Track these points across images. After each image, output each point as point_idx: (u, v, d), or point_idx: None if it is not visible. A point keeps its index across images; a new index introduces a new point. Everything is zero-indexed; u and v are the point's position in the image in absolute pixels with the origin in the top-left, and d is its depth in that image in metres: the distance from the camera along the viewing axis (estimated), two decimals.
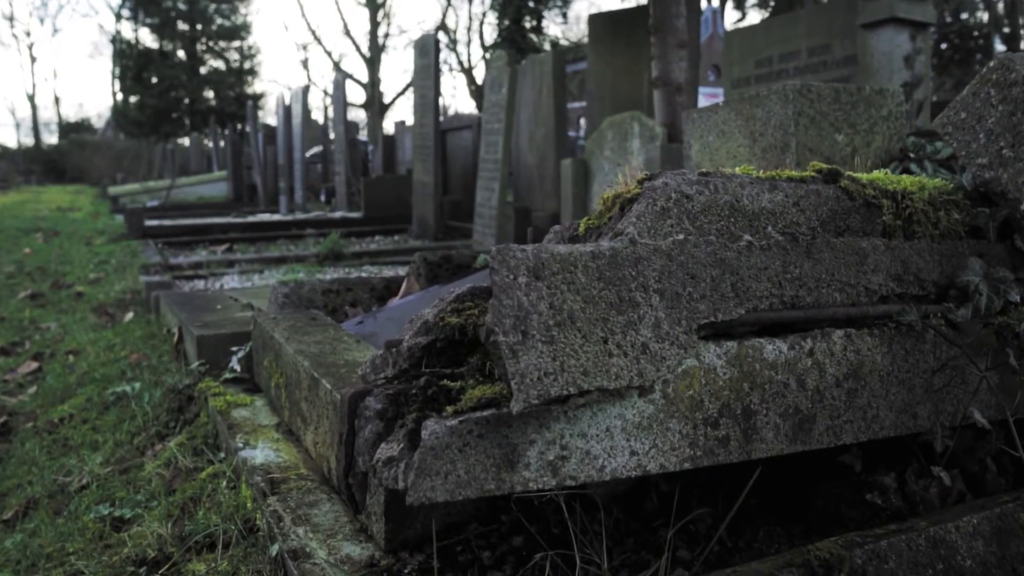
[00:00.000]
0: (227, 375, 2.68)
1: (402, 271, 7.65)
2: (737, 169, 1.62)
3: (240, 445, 2.11)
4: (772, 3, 26.61)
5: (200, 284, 6.77)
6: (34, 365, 4.15)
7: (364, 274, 7.31)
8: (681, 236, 1.34)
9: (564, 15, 31.22)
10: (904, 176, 1.81)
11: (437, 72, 9.37)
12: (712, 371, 1.23)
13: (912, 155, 2.65)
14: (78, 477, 2.43)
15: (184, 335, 3.33)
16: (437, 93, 9.38)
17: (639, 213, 1.36)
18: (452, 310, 1.40)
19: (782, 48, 5.71)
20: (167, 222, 10.85)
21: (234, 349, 2.82)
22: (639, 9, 8.81)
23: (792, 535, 1.52)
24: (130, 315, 5.07)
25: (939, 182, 1.80)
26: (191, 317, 3.42)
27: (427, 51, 9.46)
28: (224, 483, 2.02)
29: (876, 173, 1.79)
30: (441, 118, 10.04)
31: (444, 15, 39.72)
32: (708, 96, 17.02)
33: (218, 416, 2.36)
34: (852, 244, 1.44)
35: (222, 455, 2.27)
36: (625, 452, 1.15)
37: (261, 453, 2.05)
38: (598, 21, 9.31)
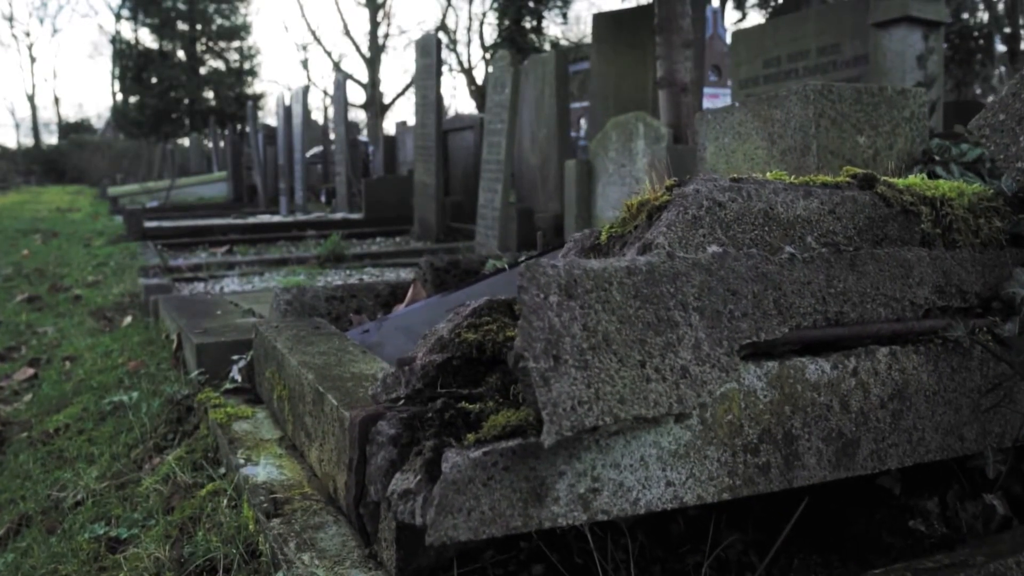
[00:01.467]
0: (227, 385, 2.59)
1: (404, 273, 7.56)
2: (768, 174, 1.53)
3: (241, 461, 2.02)
4: (773, 3, 26.53)
5: (200, 287, 6.68)
6: (30, 372, 4.06)
7: (366, 276, 7.22)
8: (716, 248, 1.25)
9: (564, 15, 31.15)
10: (941, 181, 1.73)
11: (439, 72, 9.28)
12: (752, 394, 1.14)
13: (937, 158, 2.56)
14: (73, 492, 2.33)
15: (183, 342, 3.24)
16: (439, 93, 9.30)
17: (669, 222, 1.27)
18: (469, 325, 1.31)
19: (791, 48, 5.62)
20: (166, 223, 10.76)
21: (235, 358, 2.73)
22: (643, 8, 8.72)
23: (830, 564, 1.43)
24: (128, 319, 4.98)
25: (978, 187, 1.71)
26: (190, 323, 3.33)
27: (429, 51, 9.37)
28: (225, 502, 1.93)
29: (912, 178, 1.70)
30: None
31: (444, 15, 39.63)
32: (709, 96, 16.94)
33: (218, 429, 2.27)
34: (896, 255, 1.35)
35: (222, 470, 2.18)
36: (660, 483, 1.06)
37: (263, 470, 1.96)
38: (601, 21, 9.23)
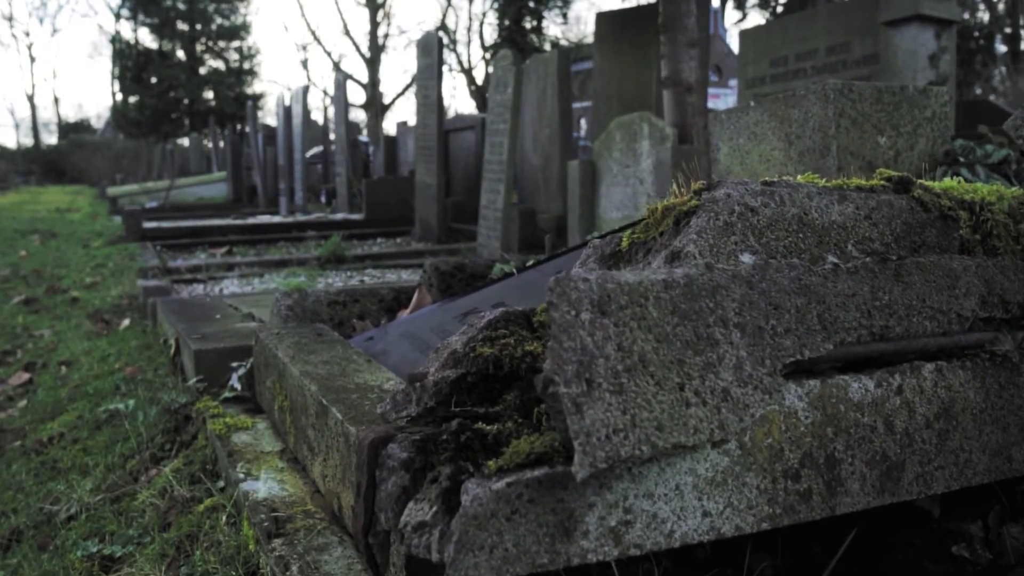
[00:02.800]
0: (227, 394, 2.51)
1: (405, 275, 7.47)
2: (799, 177, 1.45)
3: (241, 476, 1.93)
4: (773, 3, 26.45)
5: (199, 288, 6.59)
6: (25, 376, 3.98)
7: (367, 278, 7.14)
8: (749, 257, 1.17)
9: (564, 15, 31.07)
10: (979, 184, 1.64)
11: (440, 72, 9.19)
12: (793, 415, 1.05)
13: (962, 159, 2.48)
14: (66, 506, 2.25)
15: (181, 347, 3.15)
16: (440, 93, 9.21)
17: (699, 229, 1.19)
18: (484, 339, 1.23)
19: (799, 47, 5.54)
20: (166, 224, 10.68)
21: (234, 365, 2.64)
22: (647, 8, 8.63)
23: None
24: (126, 322, 4.90)
25: (1017, 191, 1.62)
26: (189, 328, 3.24)
27: (430, 50, 9.29)
28: (224, 519, 1.85)
29: (947, 181, 1.62)
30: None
31: (444, 15, 39.52)
32: (710, 97, 16.85)
33: (217, 441, 2.18)
34: (942, 264, 1.26)
35: (221, 484, 2.10)
36: (697, 513, 0.98)
37: (264, 486, 1.87)
38: (604, 20, 9.14)
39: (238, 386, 2.52)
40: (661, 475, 0.95)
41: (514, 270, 2.63)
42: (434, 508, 0.95)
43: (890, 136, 2.53)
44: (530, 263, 2.79)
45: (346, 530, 1.63)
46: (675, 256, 1.18)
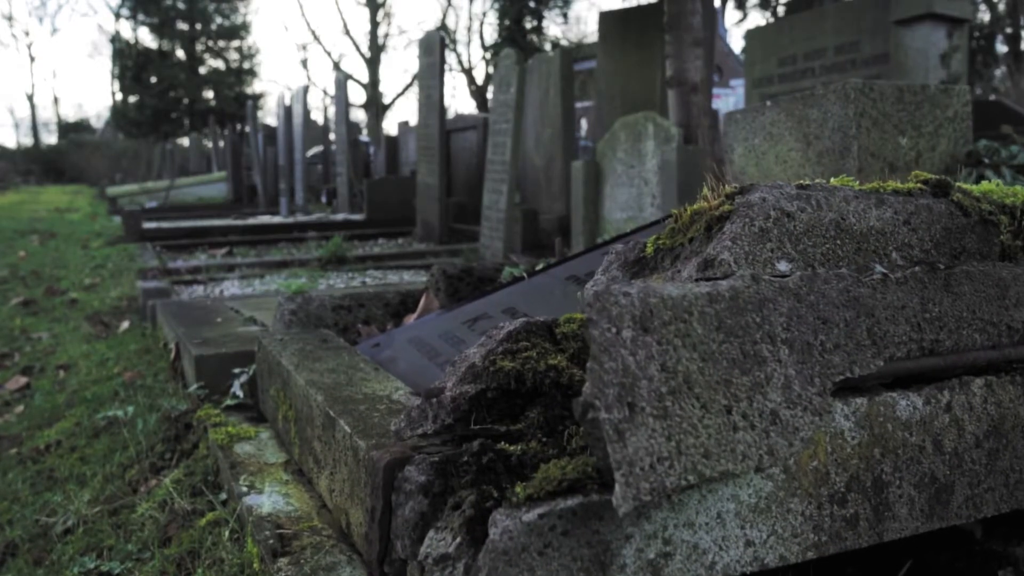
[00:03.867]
0: (229, 401, 2.44)
1: (408, 276, 7.40)
2: (833, 180, 1.38)
3: (244, 489, 1.86)
4: (774, 3, 26.36)
5: (199, 290, 6.52)
6: (23, 380, 3.90)
7: (368, 279, 7.07)
8: (785, 264, 1.10)
9: (564, 15, 31.00)
10: (1019, 187, 1.57)
11: (443, 71, 9.12)
12: (839, 435, 0.98)
13: (986, 160, 2.41)
14: (63, 518, 2.18)
15: (182, 352, 3.08)
16: (442, 92, 9.14)
17: (734, 235, 1.12)
18: (504, 352, 1.16)
19: (807, 46, 5.47)
20: (165, 224, 10.60)
21: (236, 371, 2.57)
22: (651, 7, 8.56)
23: None
24: (126, 324, 4.83)
25: None
26: (189, 332, 3.17)
27: (432, 49, 9.22)
28: (226, 534, 1.77)
29: (986, 184, 1.55)
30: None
31: (444, 15, 39.40)
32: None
33: (219, 452, 2.11)
34: (992, 273, 1.19)
35: (223, 496, 2.03)
36: (739, 543, 0.91)
37: (268, 500, 1.80)
38: (608, 19, 9.07)
39: (240, 393, 2.45)
40: (702, 503, 0.88)
41: (524, 274, 2.56)
42: (457, 539, 0.88)
43: (911, 137, 2.45)
44: (540, 267, 2.72)
45: (355, 548, 1.56)
46: (708, 264, 1.11)
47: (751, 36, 6.29)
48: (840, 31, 5.26)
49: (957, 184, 1.44)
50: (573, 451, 1.01)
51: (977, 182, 2.22)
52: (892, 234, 1.27)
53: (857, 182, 1.41)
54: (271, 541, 1.61)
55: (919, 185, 1.41)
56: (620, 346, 0.79)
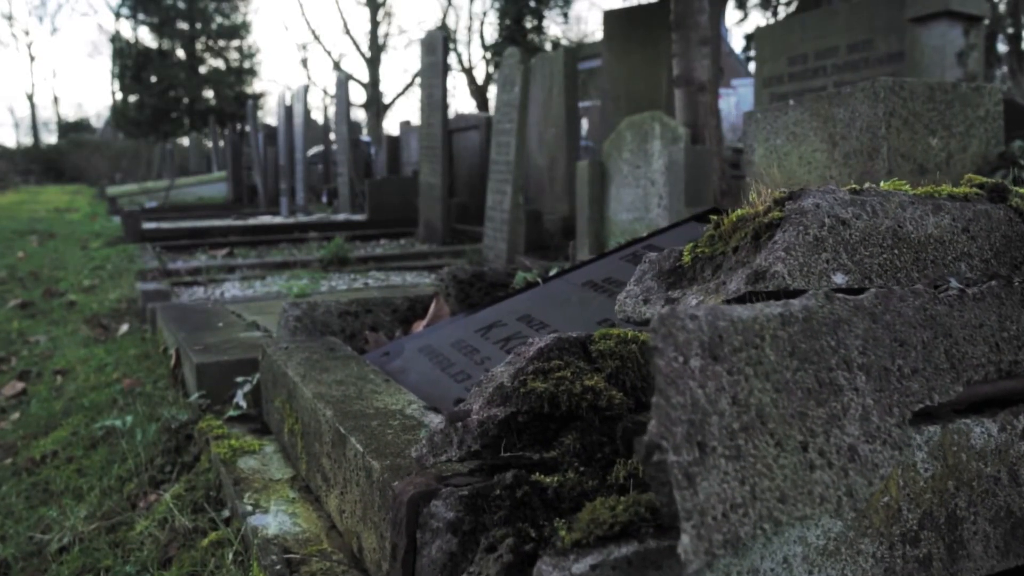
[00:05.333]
0: (231, 412, 2.34)
1: (411, 277, 7.30)
2: (883, 184, 1.28)
3: (249, 508, 1.76)
4: (775, 3, 26.25)
5: (199, 291, 6.43)
6: (19, 386, 3.81)
7: (371, 281, 6.98)
8: (842, 277, 1.00)
9: (565, 15, 30.91)
10: None
11: (445, 70, 9.03)
12: (911, 468, 0.89)
13: (1022, 161, 2.32)
14: (59, 535, 2.08)
15: (182, 359, 2.98)
16: (445, 92, 9.04)
17: (787, 245, 1.02)
18: (536, 371, 1.06)
19: (818, 45, 5.37)
20: (165, 225, 10.50)
21: (239, 380, 2.48)
22: (656, 5, 8.46)
23: None
24: (125, 327, 4.73)
25: None
26: (190, 338, 3.07)
27: (434, 48, 9.12)
28: (230, 556, 1.68)
29: None
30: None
31: (444, 15, 39.27)
32: None
33: (222, 467, 2.01)
34: None
35: (226, 513, 1.93)
36: None
37: (275, 520, 1.71)
38: (613, 18, 8.98)
39: (243, 404, 2.35)
40: (767, 546, 0.79)
41: (538, 279, 2.46)
42: None
43: (942, 137, 2.36)
44: (553, 272, 2.63)
45: (368, 574, 1.46)
46: (759, 276, 1.02)
47: (760, 34, 6.19)
48: (852, 29, 5.17)
49: (1015, 189, 1.35)
50: (616, 485, 0.92)
51: (1013, 185, 2.13)
52: (951, 243, 1.18)
53: (908, 185, 1.31)
54: (278, 566, 1.52)
55: (974, 190, 1.32)
56: (688, 377, 0.69)
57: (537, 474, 0.95)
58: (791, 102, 2.53)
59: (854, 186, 1.17)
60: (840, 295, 0.85)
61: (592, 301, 2.17)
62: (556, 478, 0.94)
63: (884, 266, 1.10)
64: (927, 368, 0.90)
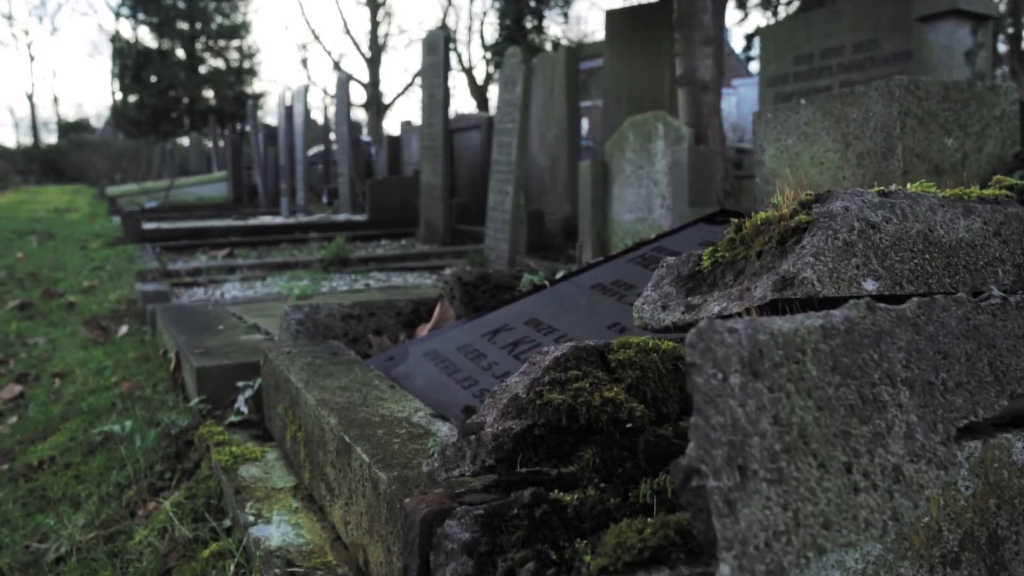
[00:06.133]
0: (232, 418, 2.29)
1: (412, 278, 7.26)
2: (910, 186, 1.24)
3: (251, 518, 1.72)
4: (775, 3, 26.20)
5: (199, 292, 6.39)
6: (17, 389, 3.76)
7: (372, 281, 6.93)
8: (872, 283, 0.96)
9: (565, 15, 30.87)
10: None
11: (446, 70, 8.98)
12: (952, 486, 0.84)
13: None
14: (55, 544, 2.03)
15: (182, 362, 2.94)
16: (446, 91, 8.99)
17: (816, 249, 0.97)
18: (552, 382, 1.02)
19: (824, 44, 5.33)
20: (165, 225, 10.46)
21: (240, 385, 2.43)
22: (659, 5, 8.42)
23: None
24: (124, 329, 4.68)
25: None
26: (190, 341, 3.03)
27: (436, 48, 9.07)
28: (232, 568, 1.63)
29: None
30: None
31: (444, 14, 39.23)
32: None
33: (223, 474, 1.97)
34: None
35: (227, 522, 1.88)
36: None
37: (277, 531, 1.66)
38: (615, 17, 8.93)
39: (245, 409, 2.31)
40: (804, 572, 0.74)
41: (545, 282, 2.42)
42: None
43: (957, 137, 2.31)
44: (560, 274, 2.58)
45: None
46: (787, 283, 0.97)
47: (765, 34, 6.15)
48: (857, 28, 5.12)
49: None
50: (640, 503, 0.87)
51: None
52: (983, 248, 1.13)
53: (934, 187, 1.27)
54: None
55: (1004, 192, 1.27)
56: (728, 395, 0.65)
57: (556, 491, 0.90)
58: (802, 101, 2.48)
59: (882, 188, 1.13)
60: (882, 305, 0.80)
61: (601, 304, 2.13)
62: (576, 495, 0.90)
63: (915, 272, 1.05)
64: (971, 381, 0.85)
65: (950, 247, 1.10)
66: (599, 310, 2.10)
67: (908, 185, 1.25)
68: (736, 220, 1.20)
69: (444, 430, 1.58)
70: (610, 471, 0.94)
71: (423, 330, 2.51)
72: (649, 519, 0.76)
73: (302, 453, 1.86)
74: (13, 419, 3.30)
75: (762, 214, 1.14)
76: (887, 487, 0.73)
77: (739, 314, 1.04)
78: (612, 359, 1.05)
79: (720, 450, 0.63)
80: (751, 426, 0.66)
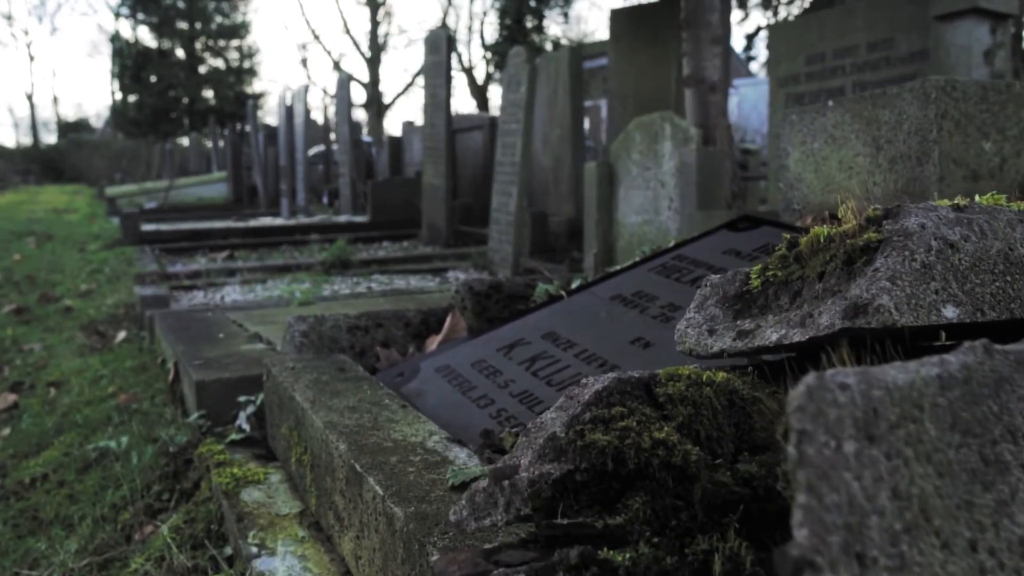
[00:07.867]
0: (234, 435, 2.18)
1: (414, 280, 7.14)
2: (978, 198, 1.13)
3: (254, 549, 1.61)
4: (776, 3, 26.09)
5: (199, 296, 6.28)
6: (11, 398, 3.65)
7: (374, 284, 6.82)
8: (952, 310, 0.85)
9: (565, 15, 30.76)
10: None
11: (449, 70, 8.87)
12: None
13: None
14: (47, 572, 1.92)
15: (181, 374, 2.83)
16: (449, 92, 8.88)
17: (892, 273, 0.87)
18: (593, 419, 0.91)
19: (837, 43, 5.22)
20: (165, 226, 10.35)
21: (242, 400, 2.32)
22: (664, 4, 8.31)
23: None
24: (122, 335, 4.58)
25: None
26: (189, 351, 2.92)
27: (438, 47, 8.96)
28: None
29: None
30: None
31: (445, 14, 39.12)
32: None
33: (224, 499, 1.86)
34: None
35: (228, 550, 1.78)
36: None
37: (283, 564, 1.55)
38: (620, 16, 8.82)
39: (247, 427, 2.20)
40: None
41: (561, 292, 2.31)
42: None
43: (995, 141, 2.20)
44: (576, 283, 2.47)
45: None
46: (859, 310, 0.86)
47: (775, 32, 6.04)
48: (872, 27, 5.01)
49: None
50: (698, 562, 0.76)
51: None
52: None
53: (1004, 198, 1.16)
54: None
55: None
56: (843, 468, 0.54)
57: (604, 549, 0.79)
58: (830, 103, 2.37)
59: (957, 202, 1.02)
60: (999, 347, 0.70)
61: (622, 317, 2.02)
62: (628, 554, 0.79)
63: (996, 296, 0.94)
64: None
65: None
66: (620, 323, 1.99)
67: (977, 197, 1.14)
68: (788, 235, 1.09)
69: (462, 457, 1.47)
70: (663, 523, 0.83)
71: (433, 342, 2.40)
72: None
73: (308, 477, 1.75)
74: (6, 431, 3.19)
75: (820, 229, 1.03)
76: (1015, 566, 0.63)
77: (801, 343, 0.93)
78: (660, 393, 0.94)
79: (836, 536, 0.52)
80: (868, 503, 0.55)
